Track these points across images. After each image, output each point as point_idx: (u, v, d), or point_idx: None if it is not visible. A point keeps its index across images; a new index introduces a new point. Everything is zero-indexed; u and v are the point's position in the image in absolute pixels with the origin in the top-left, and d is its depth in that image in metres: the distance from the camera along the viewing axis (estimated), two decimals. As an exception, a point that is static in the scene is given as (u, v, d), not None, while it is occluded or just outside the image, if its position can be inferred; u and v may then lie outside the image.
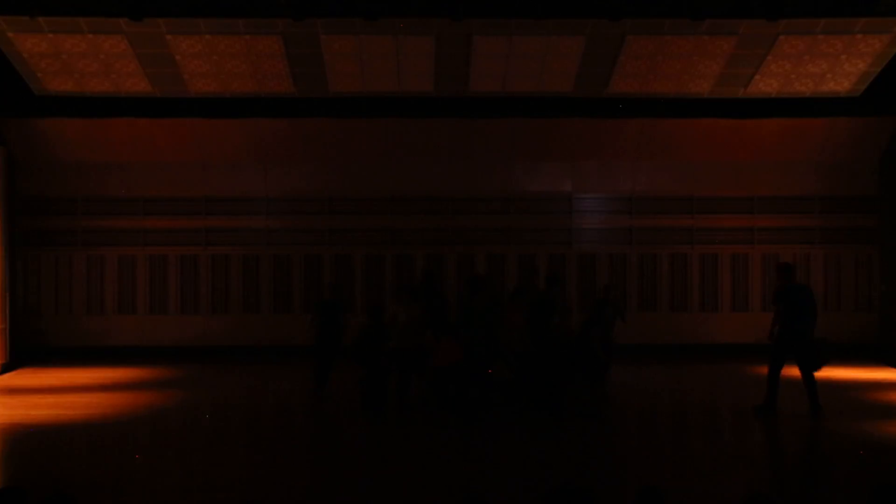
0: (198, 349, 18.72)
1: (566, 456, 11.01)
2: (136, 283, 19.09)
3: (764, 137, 18.63)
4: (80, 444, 11.62)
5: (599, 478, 9.95)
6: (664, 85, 17.30)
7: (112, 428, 12.25)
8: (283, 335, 18.94)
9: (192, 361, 17.83)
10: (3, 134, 17.80)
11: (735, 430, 12.84)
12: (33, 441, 11.57)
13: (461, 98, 17.66)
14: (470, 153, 18.97)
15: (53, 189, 18.90)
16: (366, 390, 13.21)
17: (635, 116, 18.15)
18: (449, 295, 17.04)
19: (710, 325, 19.03)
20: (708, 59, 16.64)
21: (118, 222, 19.02)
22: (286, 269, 19.19)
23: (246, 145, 18.79)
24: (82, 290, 19.05)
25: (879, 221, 18.87)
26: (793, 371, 12.53)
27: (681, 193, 19.29)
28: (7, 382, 16.02)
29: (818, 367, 12.55)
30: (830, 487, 9.78)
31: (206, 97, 17.38)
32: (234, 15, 15.34)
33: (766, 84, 17.27)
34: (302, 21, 15.26)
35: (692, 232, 19.36)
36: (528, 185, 19.25)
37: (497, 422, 12.58)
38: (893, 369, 16.98)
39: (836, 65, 16.79)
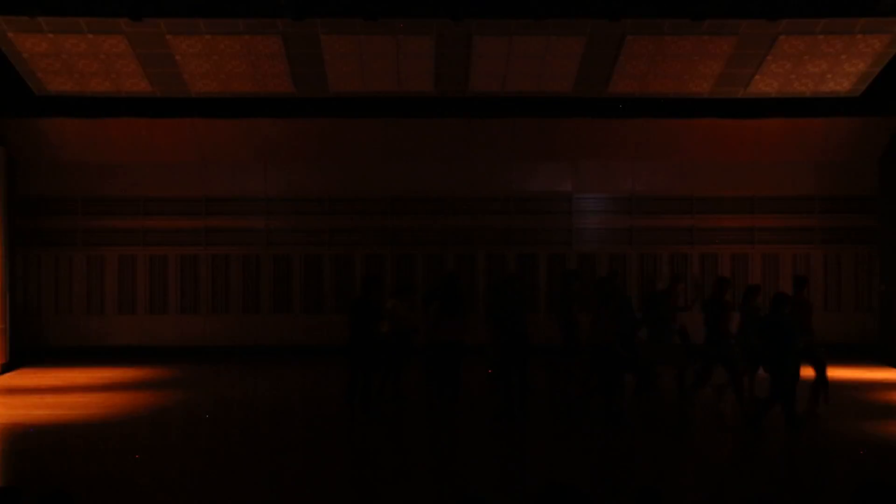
0: (198, 349, 18.72)
1: (567, 456, 11.02)
2: (136, 283, 19.09)
3: (764, 137, 18.63)
4: (80, 444, 11.61)
5: (600, 478, 9.96)
6: (664, 85, 17.30)
7: (112, 428, 12.25)
8: (283, 335, 18.95)
9: (192, 361, 17.83)
10: (3, 134, 17.79)
11: (734, 429, 12.83)
12: (33, 441, 11.57)
13: (461, 98, 17.66)
14: (470, 153, 18.97)
15: (53, 189, 18.89)
16: (350, 383, 12.64)
17: (635, 116, 18.14)
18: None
19: (710, 325, 18.99)
20: (708, 59, 16.64)
21: (118, 222, 19.02)
22: (286, 269, 19.18)
23: (246, 145, 18.78)
24: (82, 290, 19.04)
25: (879, 221, 18.86)
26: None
27: (681, 193, 19.29)
28: (7, 382, 16.02)
29: None
30: (829, 487, 9.78)
31: (206, 97, 17.38)
32: (234, 15, 15.33)
33: (766, 84, 17.27)
34: (302, 21, 15.26)
35: (692, 232, 19.35)
36: (528, 185, 19.25)
37: (500, 421, 12.58)
38: (893, 369, 16.98)
39: (836, 65, 16.78)
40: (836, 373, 15.86)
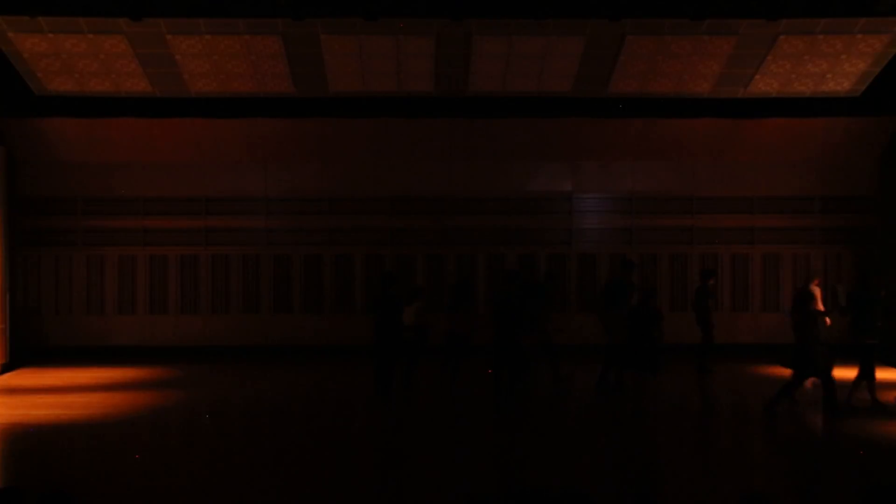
0: (198, 349, 18.72)
1: (571, 458, 11.03)
2: (136, 283, 19.10)
3: (764, 137, 18.63)
4: (80, 444, 11.62)
5: (602, 480, 9.96)
6: (664, 85, 17.30)
7: (112, 428, 12.26)
8: (283, 335, 18.95)
9: (192, 361, 17.83)
10: (3, 134, 17.79)
11: (735, 429, 12.84)
12: (33, 441, 11.57)
13: (461, 98, 17.66)
14: (470, 153, 18.97)
15: (53, 189, 18.90)
16: (377, 370, 13.54)
17: (635, 116, 18.15)
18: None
19: (710, 325, 19.01)
20: (708, 59, 16.64)
21: (118, 222, 19.02)
22: (286, 269, 19.19)
23: (246, 145, 18.79)
24: (82, 290, 19.05)
25: (879, 221, 18.86)
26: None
27: (681, 193, 19.29)
28: (7, 382, 16.02)
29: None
30: (830, 487, 9.78)
31: (206, 97, 17.38)
32: (234, 15, 15.34)
33: (766, 84, 17.27)
34: (302, 21, 15.27)
35: (692, 232, 19.36)
36: (528, 185, 19.25)
37: (503, 422, 12.60)
38: (893, 369, 16.97)
39: (836, 65, 16.78)
40: (838, 373, 15.87)
